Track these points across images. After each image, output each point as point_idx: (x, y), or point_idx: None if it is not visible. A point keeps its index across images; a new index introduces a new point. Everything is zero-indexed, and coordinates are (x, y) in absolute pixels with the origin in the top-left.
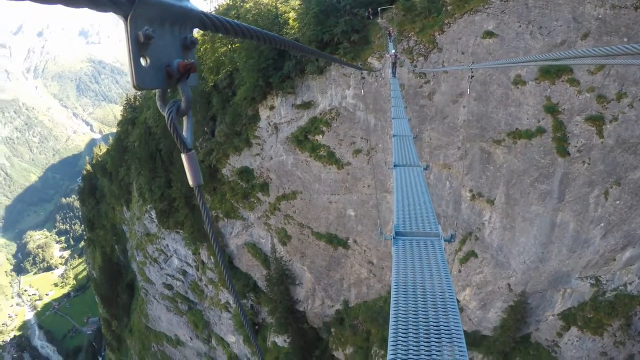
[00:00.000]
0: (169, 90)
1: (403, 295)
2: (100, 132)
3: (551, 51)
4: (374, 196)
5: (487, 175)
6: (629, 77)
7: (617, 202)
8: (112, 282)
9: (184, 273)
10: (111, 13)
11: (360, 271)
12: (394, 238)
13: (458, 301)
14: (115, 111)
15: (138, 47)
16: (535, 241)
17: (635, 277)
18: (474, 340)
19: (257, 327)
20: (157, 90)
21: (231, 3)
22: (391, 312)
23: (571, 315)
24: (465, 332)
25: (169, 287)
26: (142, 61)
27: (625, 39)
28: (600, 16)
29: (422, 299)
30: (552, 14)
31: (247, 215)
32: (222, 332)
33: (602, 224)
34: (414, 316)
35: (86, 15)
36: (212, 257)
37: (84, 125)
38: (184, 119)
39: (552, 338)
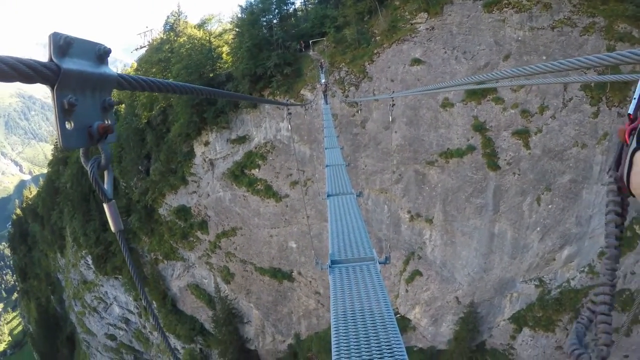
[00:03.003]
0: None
1: (343, 321)
2: (31, 172)
3: (476, 73)
4: (314, 226)
5: (423, 195)
6: (550, 91)
7: (550, 206)
8: (51, 336)
9: (127, 321)
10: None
11: (308, 302)
12: (329, 267)
13: (409, 320)
14: (46, 150)
15: (63, 113)
16: (477, 253)
17: (576, 272)
18: (431, 356)
19: None
20: (81, 148)
21: (165, 37)
22: (332, 340)
23: (521, 317)
24: (421, 349)
25: (112, 337)
26: (67, 125)
27: (544, 57)
28: (519, 38)
29: (362, 322)
30: (475, 39)
31: (188, 255)
32: None
33: (538, 228)
34: (354, 339)
35: (17, 45)
36: (154, 302)
37: (13, 166)
38: (105, 172)
39: (507, 342)
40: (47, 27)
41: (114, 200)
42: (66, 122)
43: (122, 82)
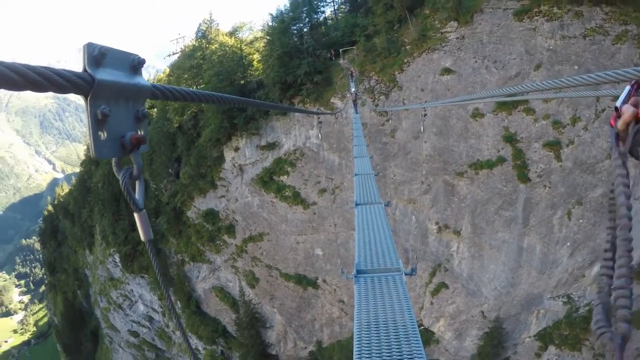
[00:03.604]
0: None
1: (366, 331)
2: (63, 171)
3: (506, 83)
4: (341, 235)
5: (452, 207)
6: (582, 102)
7: (580, 220)
8: (75, 329)
9: (150, 319)
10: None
11: (332, 310)
12: (355, 277)
13: (433, 333)
14: (79, 150)
15: (97, 123)
16: (505, 267)
17: None
18: None
19: None
20: (113, 158)
21: (197, 44)
22: (354, 349)
23: (547, 334)
24: None
25: (135, 334)
26: (101, 135)
27: (576, 67)
28: (551, 47)
29: (385, 333)
30: (506, 48)
31: (214, 258)
32: None
33: (568, 244)
34: (377, 350)
35: (53, 50)
36: (178, 302)
37: (47, 164)
38: (137, 182)
39: (532, 359)
40: (83, 32)
41: (144, 210)
42: (99, 132)
43: (156, 92)
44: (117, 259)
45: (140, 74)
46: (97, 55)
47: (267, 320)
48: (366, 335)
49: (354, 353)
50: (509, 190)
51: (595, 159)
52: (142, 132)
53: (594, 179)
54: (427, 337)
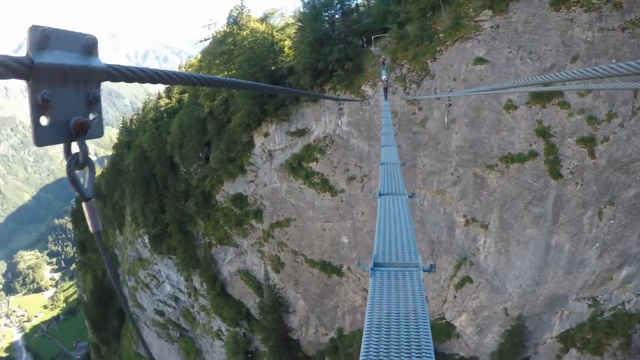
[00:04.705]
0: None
1: (376, 327)
2: (96, 154)
3: (541, 75)
4: (367, 223)
5: (480, 200)
6: (619, 97)
7: (612, 221)
8: (103, 306)
9: (176, 299)
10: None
11: (355, 299)
12: (371, 269)
13: (454, 327)
14: (112, 134)
15: (38, 108)
16: (531, 264)
17: (633, 295)
18: None
19: (250, 355)
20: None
21: (228, 30)
22: (362, 345)
23: (570, 337)
24: (462, 357)
25: (161, 313)
26: (43, 120)
27: (614, 60)
28: (588, 39)
29: (396, 330)
30: (542, 39)
31: (241, 242)
32: None
33: (598, 244)
34: (385, 348)
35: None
36: (204, 284)
37: None
38: (87, 170)
39: None
40: (114, 20)
41: (93, 200)
42: (42, 117)
43: (112, 73)
44: (146, 240)
45: (96, 54)
46: (39, 38)
47: (290, 305)
48: (376, 331)
49: (362, 347)
50: (540, 185)
51: (630, 158)
52: (95, 116)
53: (628, 178)
54: (449, 331)
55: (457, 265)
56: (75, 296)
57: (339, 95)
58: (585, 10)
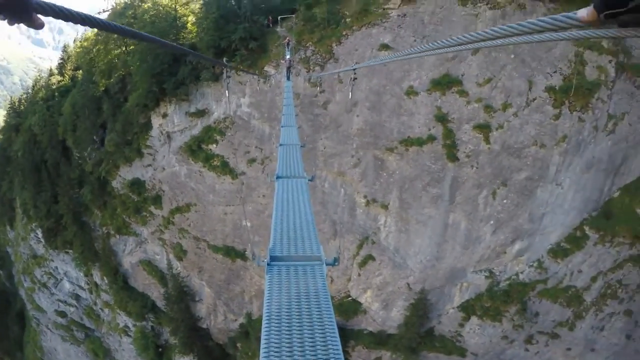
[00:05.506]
0: None
1: (276, 330)
2: None
3: (443, 65)
4: (269, 206)
5: (380, 181)
6: (514, 89)
7: (505, 201)
8: (0, 312)
9: (77, 297)
10: None
11: (261, 282)
12: (268, 264)
13: (360, 303)
14: None
15: None
16: (430, 241)
17: (525, 266)
18: (380, 339)
19: (160, 349)
20: None
21: (129, 2)
22: (261, 349)
23: (470, 306)
24: (371, 332)
25: (62, 314)
26: None
27: (512, 56)
28: None
29: (298, 332)
30: (446, 31)
31: (140, 230)
32: (125, 358)
33: (492, 222)
34: (287, 351)
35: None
36: (105, 278)
37: None
38: None
39: (455, 329)
40: None
41: None
42: None
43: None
44: (40, 234)
45: None
46: None
47: (196, 293)
48: (275, 334)
49: (261, 353)
50: (438, 168)
51: (522, 145)
52: None
53: (520, 162)
54: (355, 307)
55: (360, 245)
56: None
57: (240, 75)
58: (490, 8)
